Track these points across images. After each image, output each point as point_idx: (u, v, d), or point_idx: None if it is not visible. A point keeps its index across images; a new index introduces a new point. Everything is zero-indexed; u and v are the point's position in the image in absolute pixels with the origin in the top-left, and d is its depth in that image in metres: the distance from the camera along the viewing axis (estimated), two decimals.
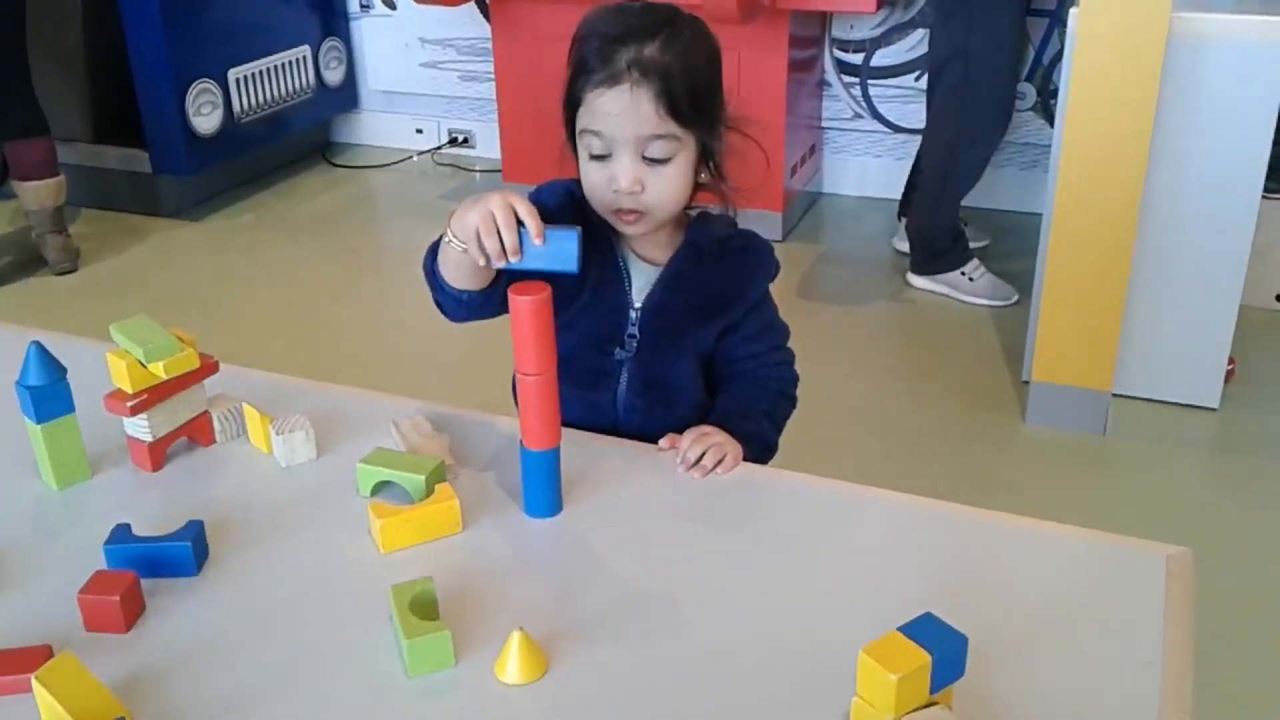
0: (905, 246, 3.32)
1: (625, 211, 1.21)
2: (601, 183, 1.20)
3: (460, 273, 1.14)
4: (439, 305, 1.21)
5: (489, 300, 1.17)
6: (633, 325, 1.28)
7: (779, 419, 1.34)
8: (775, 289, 1.36)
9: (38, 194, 3.35)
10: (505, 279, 1.09)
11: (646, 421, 1.27)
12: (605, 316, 1.28)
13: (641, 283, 1.29)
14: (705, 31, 1.23)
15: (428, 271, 1.20)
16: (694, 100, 1.17)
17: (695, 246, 1.28)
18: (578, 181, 1.25)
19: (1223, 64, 2.33)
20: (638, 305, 1.28)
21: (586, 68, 1.17)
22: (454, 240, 1.10)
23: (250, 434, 1.24)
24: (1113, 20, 2.24)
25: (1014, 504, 1.15)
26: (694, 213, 1.30)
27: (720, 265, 1.29)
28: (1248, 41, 2.31)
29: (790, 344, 1.38)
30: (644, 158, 1.18)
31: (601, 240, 1.27)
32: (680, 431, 1.21)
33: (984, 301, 3.11)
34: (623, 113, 1.16)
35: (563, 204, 1.26)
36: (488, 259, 1.07)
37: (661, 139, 1.17)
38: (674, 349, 1.29)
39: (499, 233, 1.05)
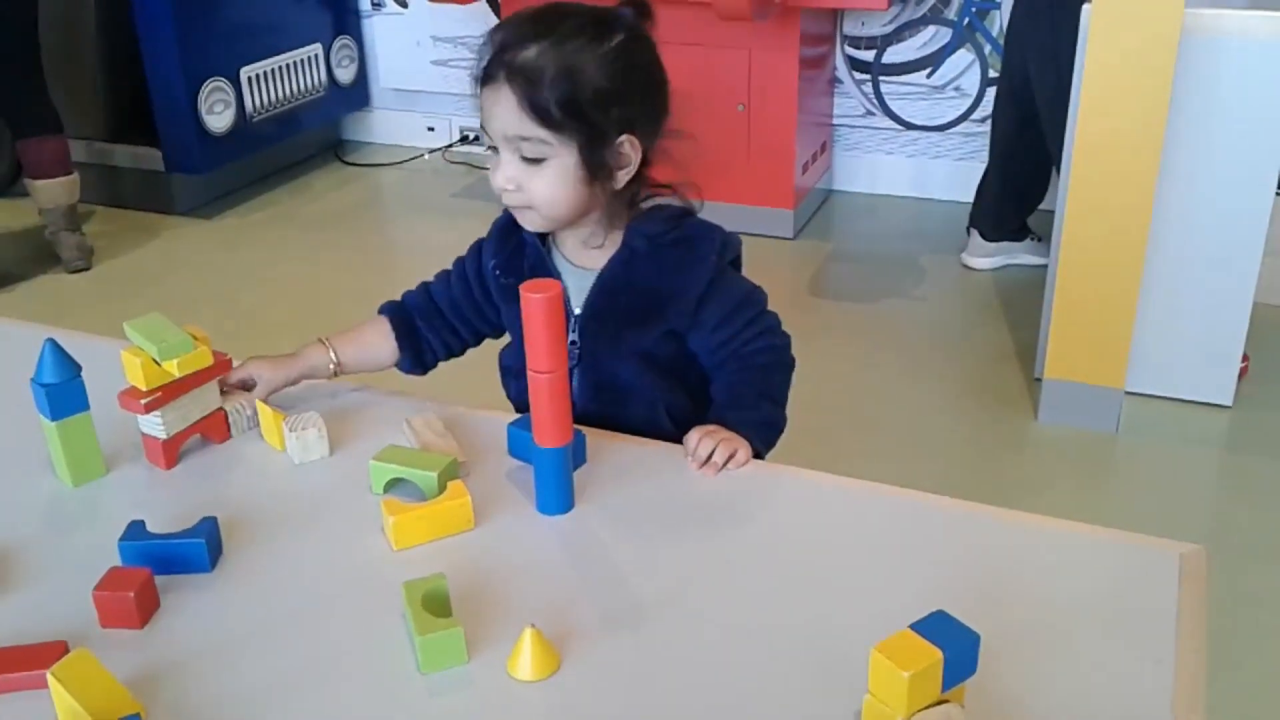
0: (977, 262, 3.32)
1: (515, 208, 1.24)
2: (494, 177, 1.23)
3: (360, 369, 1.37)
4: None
5: (411, 364, 1.39)
6: (573, 332, 1.28)
7: (778, 393, 1.31)
8: (785, 288, 1.35)
9: (51, 192, 3.36)
10: (409, 346, 1.37)
11: (603, 423, 1.26)
12: None
13: (577, 288, 1.28)
14: (627, 40, 1.19)
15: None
16: (568, 107, 1.16)
17: (629, 248, 1.26)
18: None
19: (1236, 60, 2.32)
20: (577, 312, 1.28)
21: (478, 66, 1.20)
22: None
23: (263, 431, 1.24)
24: (1126, 17, 2.23)
25: (1026, 502, 1.15)
26: (647, 206, 1.28)
27: (653, 265, 1.26)
28: (1261, 38, 2.30)
29: (795, 335, 1.35)
30: (522, 157, 1.19)
31: (530, 250, 1.29)
32: (638, 430, 1.24)
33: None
34: (491, 111, 1.19)
35: (493, 232, 1.33)
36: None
37: (528, 141, 1.18)
38: (615, 352, 1.29)
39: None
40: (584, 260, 1.29)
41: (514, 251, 1.31)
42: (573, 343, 1.28)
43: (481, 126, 1.22)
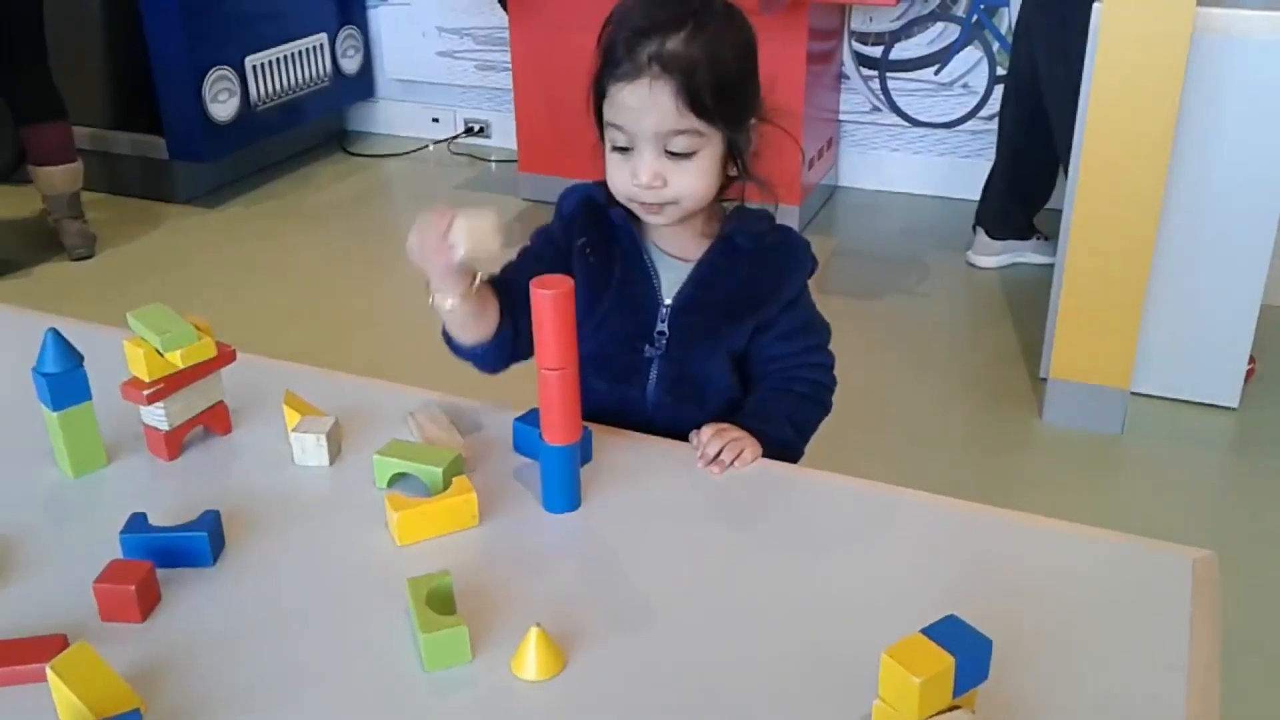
0: (982, 260, 3.32)
1: (650, 205, 1.20)
2: (624, 176, 1.19)
3: (460, 328, 1.18)
4: (476, 368, 1.24)
5: (502, 345, 1.20)
6: (662, 322, 1.27)
7: (803, 424, 1.31)
8: None
9: (55, 179, 3.36)
10: (509, 321, 1.17)
11: (677, 418, 1.25)
12: (634, 314, 1.27)
13: (671, 279, 1.27)
14: (739, 20, 1.20)
15: (447, 343, 1.23)
16: (719, 95, 1.15)
17: (730, 242, 1.26)
18: (600, 184, 1.25)
19: (1247, 60, 2.31)
20: (667, 302, 1.27)
21: (612, 59, 1.17)
22: (432, 297, 1.13)
23: (288, 423, 1.22)
24: (1136, 15, 2.21)
25: (1030, 502, 1.14)
26: (729, 206, 1.28)
27: (756, 262, 1.27)
28: (1273, 37, 2.29)
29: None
30: (667, 152, 1.17)
31: (626, 239, 1.27)
32: None
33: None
34: (642, 107, 1.15)
35: (580, 210, 1.27)
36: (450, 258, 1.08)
37: (682, 134, 1.16)
38: (705, 346, 1.28)
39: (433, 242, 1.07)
40: (678, 250, 1.28)
41: (603, 234, 1.27)
42: (660, 333, 1.27)
43: (607, 124, 1.18)
